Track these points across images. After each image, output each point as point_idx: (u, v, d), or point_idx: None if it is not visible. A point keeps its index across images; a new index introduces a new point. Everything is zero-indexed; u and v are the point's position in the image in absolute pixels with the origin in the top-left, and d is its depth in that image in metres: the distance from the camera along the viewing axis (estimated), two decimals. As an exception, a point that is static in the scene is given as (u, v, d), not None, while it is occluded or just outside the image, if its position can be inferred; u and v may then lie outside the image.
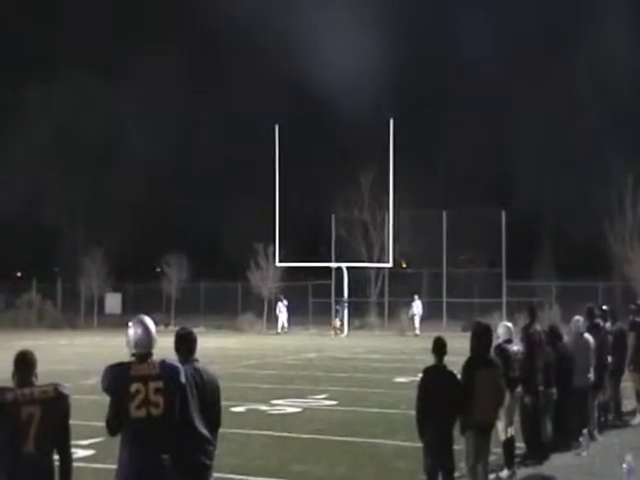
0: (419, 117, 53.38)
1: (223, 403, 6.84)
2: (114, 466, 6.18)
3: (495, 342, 10.01)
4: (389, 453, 11.78)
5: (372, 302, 47.20)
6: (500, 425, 10.13)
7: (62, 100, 56.63)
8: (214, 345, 27.98)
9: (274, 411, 15.44)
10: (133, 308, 43.86)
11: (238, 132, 57.43)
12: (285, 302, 42.89)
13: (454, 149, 52.49)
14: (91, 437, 11.58)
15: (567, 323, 13.60)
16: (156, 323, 6.44)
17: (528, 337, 11.33)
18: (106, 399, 6.11)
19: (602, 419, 13.50)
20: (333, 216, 47.48)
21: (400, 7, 55.33)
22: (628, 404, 14.71)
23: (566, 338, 12.33)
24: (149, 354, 6.15)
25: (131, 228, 53.80)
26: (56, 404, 5.53)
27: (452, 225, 44.71)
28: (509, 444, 10.39)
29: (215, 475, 6.79)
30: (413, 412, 8.69)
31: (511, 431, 10.47)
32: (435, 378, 8.61)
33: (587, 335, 12.58)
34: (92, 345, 33.74)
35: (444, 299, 43.55)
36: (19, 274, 63.53)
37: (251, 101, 55.51)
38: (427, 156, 53.72)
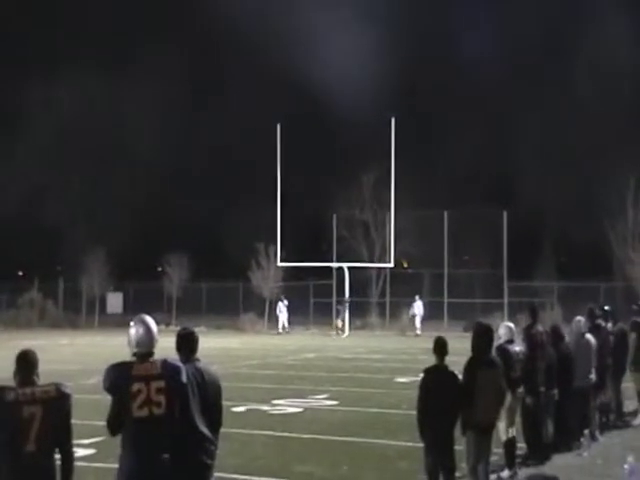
0: (420, 117, 53.42)
1: (224, 403, 6.84)
2: (115, 465, 6.18)
3: (496, 342, 10.01)
4: (390, 453, 11.78)
5: (373, 302, 47.16)
6: (501, 425, 10.13)
7: (63, 100, 56.65)
8: (215, 345, 27.98)
9: (275, 411, 15.44)
10: (134, 308, 43.84)
11: (239, 132, 57.42)
12: (285, 302, 42.89)
13: (456, 149, 52.45)
14: (92, 436, 11.59)
15: (568, 324, 13.59)
16: (157, 323, 6.45)
17: (530, 338, 11.33)
18: (107, 398, 6.11)
19: (603, 420, 13.49)
20: (334, 216, 47.47)
21: (400, 7, 55.35)
22: (629, 405, 14.70)
23: (567, 339, 12.32)
24: (151, 354, 6.16)
25: (132, 228, 53.78)
26: (57, 403, 5.54)
27: (453, 225, 44.69)
28: (510, 444, 10.39)
29: (216, 475, 6.80)
30: (414, 412, 8.69)
31: (512, 431, 10.46)
32: (436, 378, 8.61)
33: (588, 336, 12.58)
34: (93, 345, 33.74)
35: (445, 299, 43.52)
36: (21, 273, 63.56)
37: (252, 101, 55.53)
38: (428, 156, 53.72)
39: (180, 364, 6.32)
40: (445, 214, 44.51)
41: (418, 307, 40.33)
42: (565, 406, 11.79)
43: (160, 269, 51.22)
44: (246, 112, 55.58)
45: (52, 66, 56.79)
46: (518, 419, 10.93)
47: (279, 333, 41.73)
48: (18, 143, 55.66)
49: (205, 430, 6.56)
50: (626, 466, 8.34)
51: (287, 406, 15.91)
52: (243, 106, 55.75)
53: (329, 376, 21.20)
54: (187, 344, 6.80)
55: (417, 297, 40.84)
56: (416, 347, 29.02)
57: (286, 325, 42.78)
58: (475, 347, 9.11)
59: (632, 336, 14.25)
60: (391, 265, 43.41)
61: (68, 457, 5.65)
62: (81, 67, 54.70)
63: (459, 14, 59.34)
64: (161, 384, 6.00)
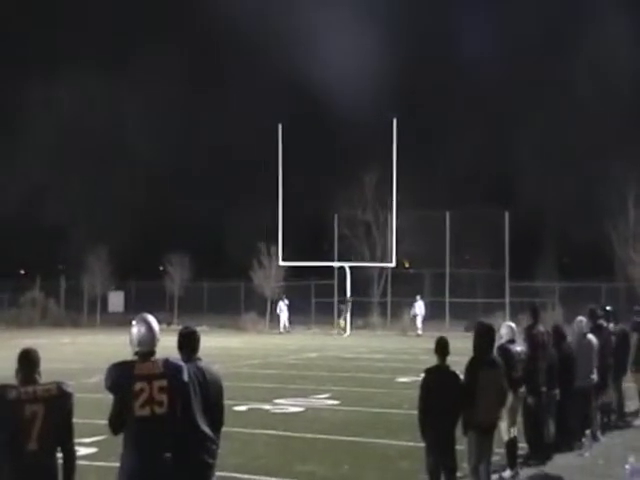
0: (422, 117, 53.43)
1: (226, 402, 6.84)
2: (117, 464, 6.18)
3: (498, 342, 10.00)
4: (391, 453, 11.78)
5: (375, 302, 47.16)
6: (503, 425, 10.13)
7: (65, 100, 56.69)
8: (217, 344, 27.97)
9: (277, 410, 15.44)
10: (136, 307, 43.81)
11: (241, 132, 57.46)
12: (286, 301, 42.90)
13: (457, 150, 52.46)
14: (94, 435, 11.59)
15: (570, 324, 13.58)
16: (159, 322, 6.45)
17: (531, 338, 11.32)
18: (109, 397, 6.12)
19: (605, 420, 13.48)
20: (336, 216, 47.48)
21: (400, 7, 55.40)
22: (631, 405, 14.71)
23: (569, 339, 12.32)
24: (152, 352, 6.16)
25: (134, 227, 53.84)
26: (59, 402, 5.54)
27: (455, 225, 44.68)
28: (512, 444, 10.39)
29: (218, 474, 6.80)
30: (416, 412, 8.70)
31: (514, 431, 10.46)
32: (437, 378, 8.61)
33: (590, 336, 12.57)
34: (95, 343, 33.75)
35: (447, 299, 43.51)
36: (22, 272, 63.60)
37: (253, 101, 55.58)
38: (430, 156, 53.73)
39: (182, 363, 6.32)
40: (447, 214, 44.50)
41: (419, 307, 40.31)
42: (566, 406, 11.78)
43: (162, 268, 51.23)
44: (246, 112, 55.65)
45: (52, 66, 56.91)
46: (520, 419, 10.93)
47: (280, 332, 41.74)
48: (19, 143, 55.71)
49: (206, 429, 6.56)
50: (627, 466, 8.34)
51: (289, 405, 15.92)
52: (245, 106, 55.81)
53: (330, 376, 21.20)
54: (189, 343, 6.80)
55: (418, 297, 40.83)
56: (417, 347, 29.00)
57: (287, 324, 42.80)
58: (477, 347, 9.11)
59: (634, 336, 14.25)
60: (393, 265, 43.40)
61: (70, 456, 5.65)
62: (81, 67, 54.76)
63: (459, 14, 59.40)
64: (163, 383, 6.00)
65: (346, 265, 43.05)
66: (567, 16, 53.31)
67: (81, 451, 9.81)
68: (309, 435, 13.02)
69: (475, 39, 53.92)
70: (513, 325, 10.96)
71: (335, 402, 16.45)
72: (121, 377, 5.99)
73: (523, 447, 11.11)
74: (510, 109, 52.35)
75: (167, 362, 6.13)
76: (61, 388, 5.59)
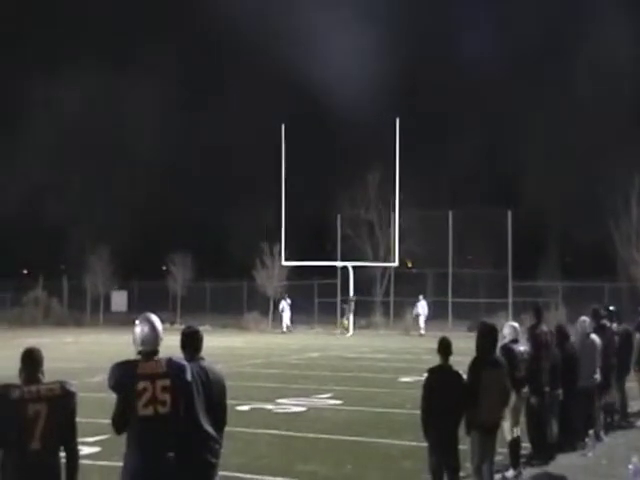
0: (425, 117, 53.40)
1: (228, 402, 6.84)
2: (120, 463, 6.19)
3: (501, 342, 10.00)
4: (394, 453, 11.77)
5: (377, 301, 47.17)
6: (506, 425, 10.13)
7: (65, 100, 56.70)
8: (219, 344, 27.98)
9: (279, 410, 15.44)
10: (139, 306, 43.89)
11: (242, 132, 57.49)
12: (289, 301, 42.90)
13: (460, 150, 52.44)
14: (97, 434, 11.60)
15: (573, 324, 13.57)
16: (162, 321, 6.45)
17: (534, 337, 11.30)
18: (112, 397, 6.12)
19: (608, 420, 13.47)
20: (339, 215, 47.50)
21: (400, 7, 55.40)
22: (634, 405, 14.70)
23: (572, 338, 12.31)
24: (155, 352, 6.16)
25: (137, 227, 53.91)
26: (63, 401, 5.54)
27: (458, 225, 44.67)
28: (515, 444, 10.38)
29: (220, 473, 6.79)
30: (418, 412, 8.70)
31: (517, 431, 10.45)
32: (440, 378, 8.61)
33: (593, 336, 12.56)
34: (98, 343, 33.77)
35: (450, 299, 43.50)
36: (25, 272, 63.67)
37: (255, 101, 55.55)
38: (433, 156, 53.71)
39: (185, 363, 6.32)
40: (449, 214, 44.50)
41: (422, 307, 40.29)
42: (570, 406, 11.78)
43: (165, 268, 51.29)
44: (248, 112, 55.67)
45: (52, 66, 56.92)
46: (523, 419, 10.92)
47: (283, 332, 41.74)
48: (20, 143, 55.76)
49: (209, 429, 6.55)
50: (630, 466, 8.34)
51: (291, 405, 15.92)
52: (245, 106, 55.82)
53: (333, 375, 21.20)
54: (192, 343, 6.80)
55: (421, 297, 40.82)
56: (420, 347, 29.00)
57: (289, 324, 42.79)
58: (479, 347, 9.11)
59: (637, 336, 14.22)
60: (395, 264, 43.41)
61: (73, 455, 5.65)
62: (81, 67, 54.77)
63: (459, 14, 59.42)
64: (166, 383, 6.00)
65: (349, 265, 43.05)
66: (567, 16, 53.31)
67: (84, 450, 9.82)
68: (311, 435, 13.02)
69: (477, 38, 53.96)
70: (516, 325, 10.95)
71: (338, 402, 16.45)
72: (124, 376, 5.99)
73: (526, 447, 11.10)
74: (513, 109, 52.34)
75: (170, 361, 6.13)
76: (64, 387, 5.59)
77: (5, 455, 5.44)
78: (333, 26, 52.59)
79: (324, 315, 45.83)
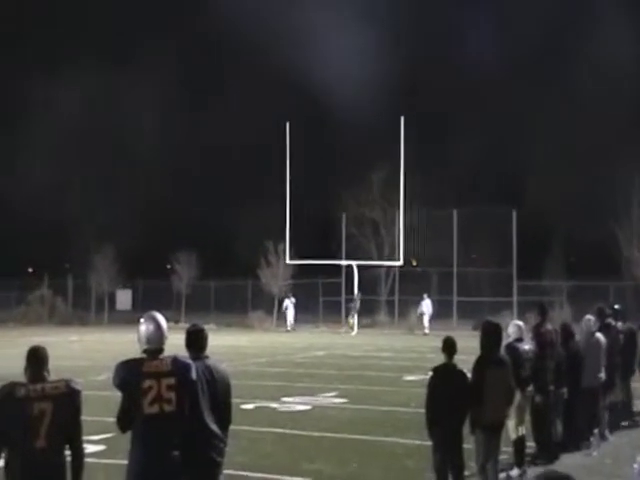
0: (429, 116, 53.37)
1: (233, 400, 6.85)
2: (125, 462, 6.20)
3: (506, 341, 10.00)
4: (399, 451, 11.78)
5: (382, 300, 47.15)
6: (511, 424, 10.13)
7: (67, 99, 56.70)
8: (224, 342, 27.99)
9: (284, 409, 15.44)
10: (143, 305, 43.92)
11: (246, 131, 57.48)
12: (293, 299, 42.89)
13: (465, 149, 52.37)
14: (102, 433, 11.60)
15: (578, 323, 13.56)
16: (167, 320, 6.46)
17: (539, 336, 11.30)
18: (117, 395, 6.13)
19: (612, 419, 13.45)
20: (344, 214, 47.50)
21: (401, 7, 55.37)
22: (639, 404, 14.67)
23: (577, 337, 12.30)
24: (161, 350, 6.17)
25: (142, 225, 53.89)
26: (68, 400, 5.55)
27: (463, 224, 44.65)
28: (520, 443, 10.38)
29: (225, 472, 6.81)
30: (423, 410, 8.71)
31: (522, 430, 10.45)
32: (445, 377, 8.62)
33: (598, 335, 12.54)
34: (103, 341, 33.82)
35: (454, 298, 43.49)
36: (30, 270, 63.75)
37: (258, 100, 55.55)
38: (438, 155, 53.63)
39: (190, 361, 6.34)
40: (454, 213, 44.48)
41: (427, 305, 40.26)
42: (574, 405, 11.76)
43: (169, 267, 51.32)
44: (251, 111, 55.67)
45: (52, 66, 56.93)
46: (527, 418, 10.91)
47: (288, 331, 41.75)
48: (22, 142, 55.82)
49: (214, 427, 6.57)
50: (635, 466, 8.29)
51: (296, 404, 15.92)
52: (251, 105, 55.83)
53: (338, 374, 21.20)
54: (196, 341, 6.81)
55: (425, 295, 40.77)
56: (425, 345, 28.98)
57: (292, 323, 42.73)
58: (484, 346, 9.11)
59: (641, 336, 14.22)
60: (400, 263, 43.38)
61: (78, 453, 5.66)
62: (81, 67, 54.73)
63: (459, 14, 59.48)
64: (171, 381, 6.01)
65: (354, 263, 43.04)
66: (568, 16, 53.25)
67: (89, 449, 9.83)
68: (316, 433, 13.02)
69: (477, 38, 53.95)
70: (521, 324, 10.95)
71: (342, 400, 16.45)
72: (130, 375, 6.00)
73: (531, 446, 11.10)
74: (515, 109, 52.33)
75: (175, 360, 6.14)
76: (69, 386, 5.60)
77: (10, 453, 5.46)
78: (333, 26, 52.55)
79: (329, 314, 45.86)
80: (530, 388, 10.60)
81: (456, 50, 55.74)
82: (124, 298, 52.70)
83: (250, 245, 47.60)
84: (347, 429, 13.36)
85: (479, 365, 8.93)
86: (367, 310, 44.07)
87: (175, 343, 7.02)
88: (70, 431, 5.59)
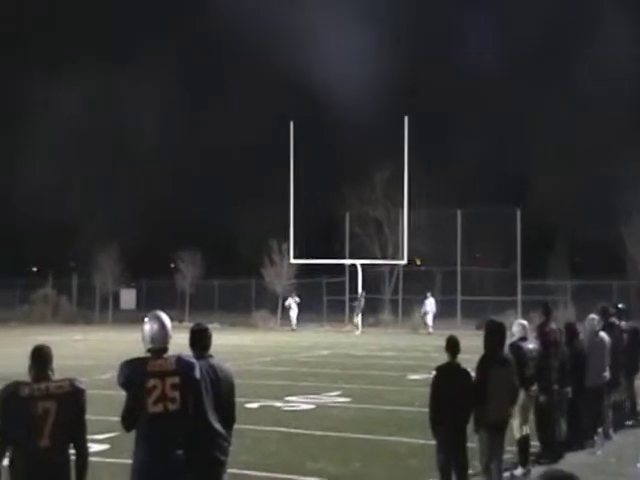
0: (433, 115, 53.37)
1: (237, 399, 6.85)
2: (129, 461, 6.21)
3: (510, 340, 9.99)
4: (402, 450, 11.77)
5: (386, 299, 47.15)
6: (515, 423, 10.13)
7: (70, 98, 56.74)
8: (228, 342, 28.01)
9: (288, 408, 15.45)
10: (147, 304, 43.98)
11: (248, 131, 57.50)
12: (297, 299, 42.87)
13: (469, 148, 52.37)
14: (106, 432, 11.62)
15: (582, 322, 13.54)
16: (171, 319, 6.46)
17: (543, 335, 11.28)
18: (121, 394, 6.14)
19: (617, 418, 13.43)
20: (347, 213, 47.51)
21: (401, 7, 55.35)
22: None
23: (581, 336, 12.28)
24: (165, 349, 6.18)
25: (146, 225, 53.96)
26: (72, 399, 5.55)
27: (467, 223, 44.64)
28: (524, 442, 10.37)
29: (229, 471, 6.81)
30: (427, 410, 8.70)
31: (526, 429, 10.45)
32: (448, 376, 8.62)
33: (602, 334, 12.53)
34: (107, 340, 33.85)
35: (458, 297, 43.48)
36: (35, 269, 63.85)
37: (260, 100, 55.56)
38: (442, 155, 53.65)
39: (194, 360, 6.34)
40: (458, 212, 44.47)
41: (430, 304, 40.23)
42: (578, 404, 11.76)
43: (173, 266, 51.37)
44: (254, 110, 55.66)
45: (52, 66, 56.93)
46: (531, 417, 10.90)
47: (293, 330, 41.73)
48: (22, 142, 55.86)
49: (218, 426, 6.57)
50: (639, 465, 8.32)
51: (300, 403, 15.93)
52: (255, 104, 55.83)
53: (342, 373, 21.20)
54: (200, 340, 6.81)
55: (429, 294, 40.73)
56: (429, 344, 28.97)
57: (294, 322, 42.66)
58: (487, 345, 9.10)
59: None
60: (404, 262, 43.39)
61: (82, 452, 5.66)
62: (81, 67, 54.72)
63: (459, 14, 59.48)
64: (175, 380, 6.02)
65: (357, 262, 43.05)
66: (568, 16, 53.20)
67: (93, 448, 9.84)
68: (320, 432, 13.02)
69: (480, 36, 53.95)
70: (525, 323, 10.94)
71: (346, 399, 16.45)
72: (134, 374, 6.01)
73: (535, 445, 11.09)
74: (517, 109, 52.31)
75: (179, 359, 6.14)
76: (74, 385, 5.60)
77: (15, 452, 5.46)
78: (333, 26, 52.53)
79: (333, 313, 45.87)
80: (534, 387, 10.59)
81: (456, 50, 55.81)
82: (128, 297, 52.78)
83: (254, 244, 47.63)
84: (351, 428, 13.36)
85: (483, 364, 8.92)
86: (371, 309, 44.09)
87: (179, 342, 7.02)
88: (74, 430, 5.59)
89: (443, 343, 8.87)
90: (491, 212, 43.46)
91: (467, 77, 55.53)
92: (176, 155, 57.71)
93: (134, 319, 37.81)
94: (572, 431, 11.72)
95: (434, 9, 59.47)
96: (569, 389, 11.48)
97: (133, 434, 6.11)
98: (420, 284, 44.19)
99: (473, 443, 8.98)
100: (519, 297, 41.70)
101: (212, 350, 6.82)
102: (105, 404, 11.01)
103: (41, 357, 5.67)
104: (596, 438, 11.87)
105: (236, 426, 6.84)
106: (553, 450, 11.13)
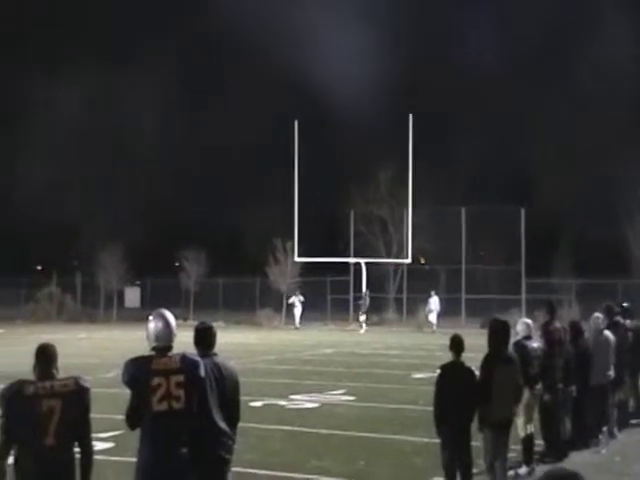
0: (437, 114, 53.36)
1: (242, 398, 6.86)
2: (133, 459, 6.21)
3: (514, 338, 9.98)
4: (407, 449, 11.78)
5: (390, 298, 47.15)
6: (519, 422, 10.12)
7: (70, 98, 56.78)
8: (232, 340, 28.02)
9: (292, 406, 15.46)
10: (152, 302, 44.03)
11: (252, 130, 57.50)
12: (301, 297, 42.88)
13: (473, 146, 52.34)
14: (111, 430, 11.62)
15: (586, 320, 13.53)
16: (175, 317, 6.47)
17: (548, 334, 11.27)
18: (126, 392, 6.14)
19: (621, 417, 13.42)
20: (352, 212, 47.51)
21: (402, 7, 55.34)
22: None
23: (586, 335, 12.27)
24: (169, 348, 6.18)
25: (150, 223, 54.02)
26: (76, 397, 5.56)
27: (471, 222, 44.62)
28: (528, 441, 10.37)
29: (233, 469, 6.81)
30: (431, 408, 8.70)
31: (530, 428, 10.44)
32: (453, 374, 8.62)
33: (607, 332, 12.52)
34: (111, 339, 33.89)
35: (463, 296, 43.47)
36: (39, 268, 63.92)
37: (260, 100, 55.56)
38: (446, 154, 53.64)
39: (198, 359, 6.34)
40: (462, 210, 44.45)
41: (434, 302, 40.26)
42: (583, 403, 11.75)
43: (177, 264, 51.40)
44: (257, 109, 55.66)
45: (52, 66, 56.95)
46: (536, 416, 10.90)
47: (297, 328, 41.75)
48: (22, 142, 55.90)
49: (223, 425, 6.57)
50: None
51: (304, 401, 15.93)
52: (259, 103, 55.83)
53: (346, 372, 21.21)
54: (205, 339, 6.81)
55: (432, 292, 40.75)
56: (433, 343, 28.96)
57: (298, 321, 42.65)
58: (491, 343, 9.09)
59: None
60: (408, 261, 43.37)
61: (87, 451, 5.67)
62: (81, 67, 54.71)
63: (459, 14, 59.49)
64: (180, 378, 6.02)
65: (362, 261, 43.05)
66: (569, 16, 53.16)
67: (98, 446, 9.84)
68: (324, 431, 13.03)
69: (480, 36, 53.95)
70: (529, 321, 10.93)
71: (350, 398, 16.46)
72: (138, 372, 6.01)
73: (539, 444, 11.08)
74: (522, 108, 52.25)
75: (184, 357, 6.15)
76: (78, 383, 5.61)
77: (20, 451, 5.47)
78: (333, 26, 52.50)
79: (337, 312, 45.88)
80: (539, 386, 10.59)
81: (456, 50, 55.80)
82: (133, 295, 52.81)
83: (258, 243, 47.67)
84: (355, 427, 13.36)
85: (487, 363, 8.92)
86: (375, 308, 44.10)
87: (184, 340, 7.03)
88: (79, 428, 5.60)
89: (447, 342, 8.87)
90: (495, 210, 43.44)
91: (467, 77, 55.52)
92: (176, 155, 57.78)
93: (138, 317, 37.87)
94: (577, 430, 11.71)
95: (434, 9, 59.54)
96: (573, 388, 11.47)
97: (138, 432, 6.12)
98: (424, 283, 44.18)
99: (477, 442, 8.98)
100: (523, 296, 41.68)
101: (216, 348, 6.83)
102: (110, 402, 11.03)
103: (46, 355, 5.68)
104: (601, 437, 11.86)
105: (240, 424, 6.85)
106: (557, 449, 11.12)
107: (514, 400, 9.12)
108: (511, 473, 9.74)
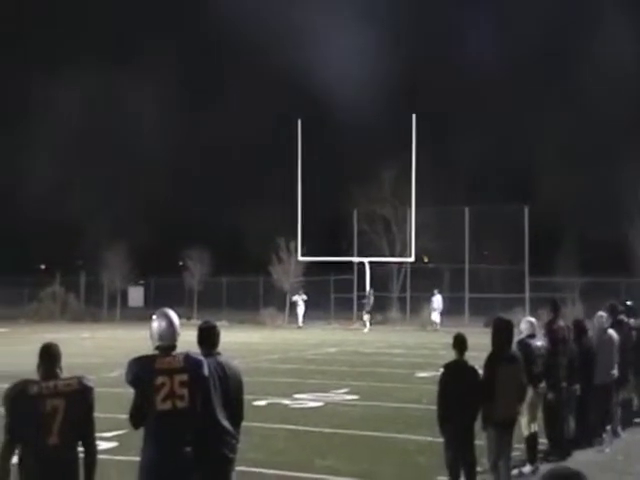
0: (440, 114, 53.35)
1: (245, 397, 6.86)
2: (137, 458, 6.21)
3: (518, 337, 9.98)
4: (410, 448, 11.77)
5: (394, 297, 47.16)
6: (523, 421, 10.12)
7: (70, 98, 56.78)
8: (236, 339, 28.03)
9: (296, 405, 15.46)
10: (155, 302, 44.05)
11: (252, 130, 57.52)
12: (304, 296, 42.88)
13: (477, 146, 52.32)
14: (114, 429, 11.64)
15: (590, 319, 13.52)
16: (179, 316, 6.47)
17: (552, 333, 11.26)
18: (129, 392, 6.14)
19: (625, 416, 13.41)
20: (355, 211, 47.51)
21: (402, 7, 55.33)
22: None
23: (590, 334, 12.26)
24: (173, 347, 6.18)
25: (154, 223, 54.04)
26: (80, 397, 5.56)
27: (474, 221, 44.60)
28: (532, 440, 10.37)
29: (237, 469, 6.81)
30: (435, 407, 8.70)
31: (534, 427, 10.44)
32: (456, 373, 8.61)
33: (611, 331, 12.50)
34: (115, 338, 33.91)
35: (466, 294, 43.45)
36: (43, 267, 63.98)
37: (260, 100, 55.57)
38: (450, 153, 53.65)
39: (202, 358, 6.34)
40: (466, 210, 44.44)
41: (437, 301, 40.27)
42: (587, 402, 11.74)
43: (181, 263, 51.43)
44: (259, 109, 55.68)
45: (52, 66, 57.00)
46: (540, 414, 10.89)
47: (299, 327, 41.76)
48: (23, 142, 55.95)
49: (226, 424, 6.57)
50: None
51: (308, 400, 15.93)
52: (262, 102, 55.86)
53: (350, 370, 21.20)
54: (208, 338, 6.81)
55: (435, 291, 40.75)
56: (437, 342, 28.95)
57: (300, 320, 42.64)
58: (495, 342, 9.09)
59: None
60: (412, 260, 43.37)
61: (91, 450, 5.67)
62: (81, 67, 54.73)
63: (459, 14, 59.49)
64: (184, 377, 6.02)
65: (365, 260, 43.05)
66: (569, 16, 53.13)
67: (102, 445, 9.86)
68: (328, 430, 13.03)
69: (480, 36, 53.96)
70: (533, 320, 10.93)
71: (354, 397, 16.46)
72: (142, 371, 6.02)
73: (543, 443, 11.08)
74: (532, 105, 52.24)
75: (188, 357, 6.15)
76: (82, 382, 5.61)
77: (23, 450, 5.47)
78: (333, 26, 52.51)
79: (340, 311, 45.88)
80: (542, 385, 10.58)
81: (456, 50, 55.81)
82: (136, 295, 52.85)
83: (262, 242, 47.67)
84: (359, 426, 13.36)
85: (491, 362, 8.92)
86: (379, 307, 44.12)
87: (187, 340, 7.03)
88: (83, 428, 5.60)
89: (451, 340, 8.87)
90: (499, 209, 43.41)
91: (467, 77, 55.51)
92: (176, 155, 57.81)
93: (142, 317, 37.88)
94: (580, 429, 11.70)
95: (434, 9, 59.56)
96: (577, 387, 11.46)
97: (141, 432, 6.12)
98: (428, 282, 44.19)
99: (481, 441, 8.97)
100: (527, 294, 41.66)
101: (220, 347, 6.83)
102: (113, 402, 11.03)
103: (49, 355, 5.68)
104: (604, 436, 11.85)
105: (244, 424, 6.85)
106: (561, 448, 11.12)
107: (518, 399, 9.11)
108: (515, 472, 9.74)
